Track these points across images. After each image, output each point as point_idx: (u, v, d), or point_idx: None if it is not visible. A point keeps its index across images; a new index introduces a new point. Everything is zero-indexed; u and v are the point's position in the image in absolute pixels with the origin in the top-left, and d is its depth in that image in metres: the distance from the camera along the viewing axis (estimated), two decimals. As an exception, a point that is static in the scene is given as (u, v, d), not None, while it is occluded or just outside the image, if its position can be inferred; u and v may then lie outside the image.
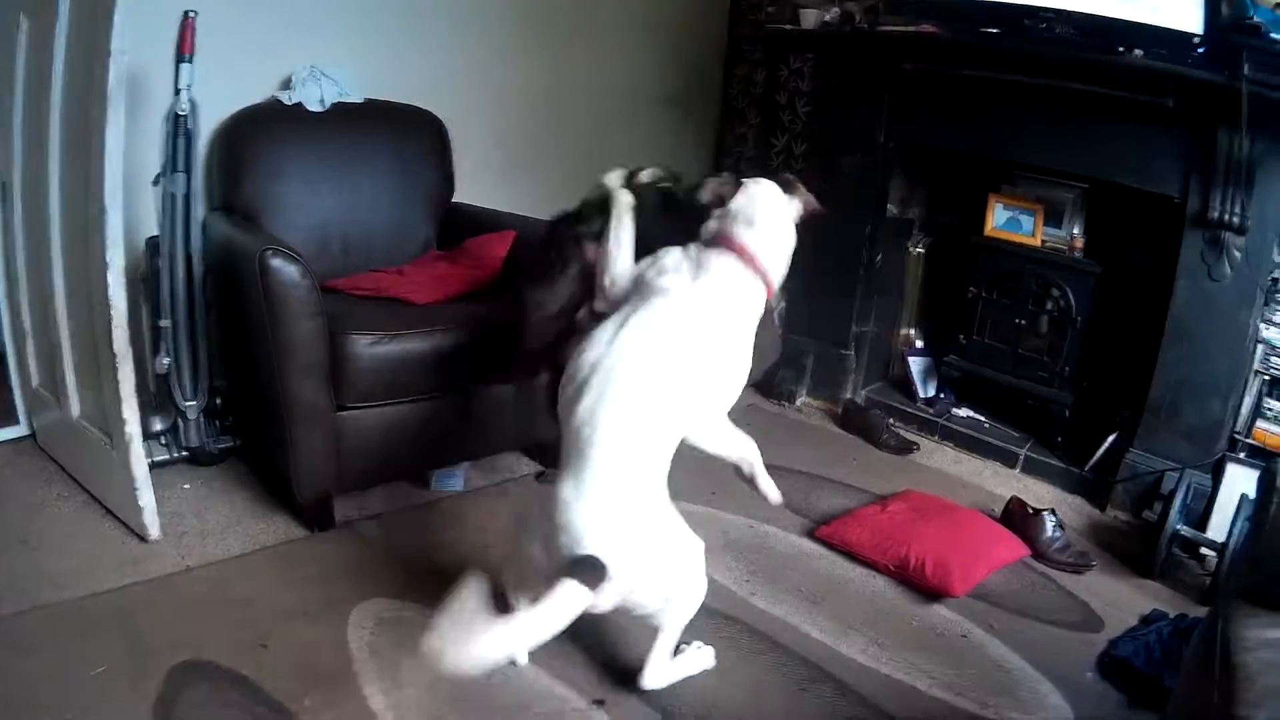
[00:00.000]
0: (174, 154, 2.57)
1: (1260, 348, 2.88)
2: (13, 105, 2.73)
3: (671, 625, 1.98)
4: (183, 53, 2.51)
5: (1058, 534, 2.67)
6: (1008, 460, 3.29)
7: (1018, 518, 2.74)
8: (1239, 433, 2.94)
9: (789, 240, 2.20)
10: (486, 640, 1.58)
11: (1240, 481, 2.71)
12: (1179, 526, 2.64)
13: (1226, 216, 2.71)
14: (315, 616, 2.22)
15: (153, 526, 2.50)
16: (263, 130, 2.92)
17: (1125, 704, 2.14)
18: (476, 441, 2.82)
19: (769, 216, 2.15)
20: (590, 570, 1.70)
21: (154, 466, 2.57)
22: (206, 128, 2.74)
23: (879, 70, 3.34)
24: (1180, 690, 1.69)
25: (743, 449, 2.15)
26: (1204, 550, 2.71)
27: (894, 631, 2.31)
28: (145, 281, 2.67)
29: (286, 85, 3.03)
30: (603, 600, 1.74)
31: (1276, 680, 1.38)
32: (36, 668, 2.08)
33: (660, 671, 2.03)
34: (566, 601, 1.66)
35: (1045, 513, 2.70)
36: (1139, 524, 2.92)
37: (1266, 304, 2.85)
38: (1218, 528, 2.67)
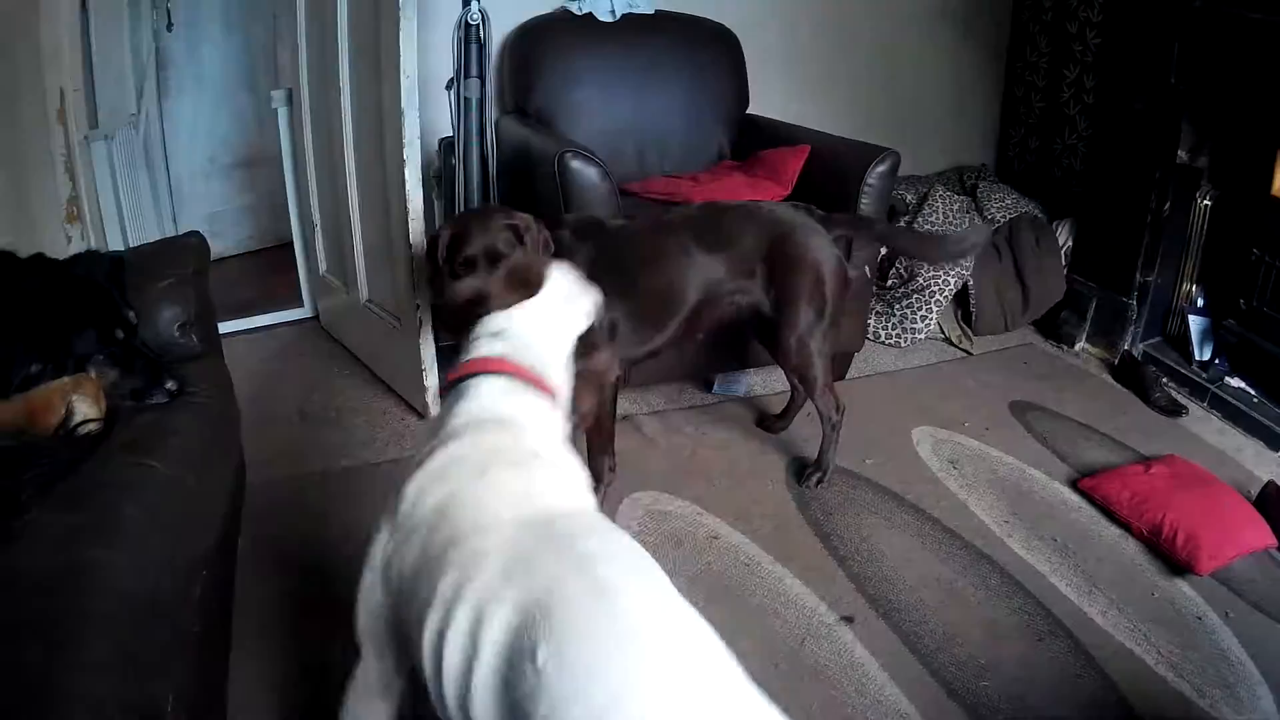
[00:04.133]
0: (466, 60, 2.70)
1: None
2: (295, 20, 2.94)
3: None
4: (473, -35, 2.60)
5: (1307, 529, 2.56)
6: (1271, 441, 3.12)
7: (1272, 504, 2.63)
8: None
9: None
10: None
11: None
12: None
13: None
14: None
15: (434, 406, 2.68)
16: (555, 38, 3.06)
17: (1332, 725, 2.10)
18: (763, 350, 2.74)
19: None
20: None
21: (439, 351, 2.73)
22: (497, 35, 2.86)
23: (1169, 6, 3.17)
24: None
25: None
26: None
27: (1135, 599, 2.31)
28: (438, 179, 2.85)
29: (576, -3, 3.13)
30: None
31: None
32: (306, 528, 2.31)
33: None
34: None
35: (1300, 504, 2.59)
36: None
37: None
38: None
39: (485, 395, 1.33)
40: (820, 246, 2.44)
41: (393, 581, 1.24)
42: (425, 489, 1.23)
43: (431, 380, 2.65)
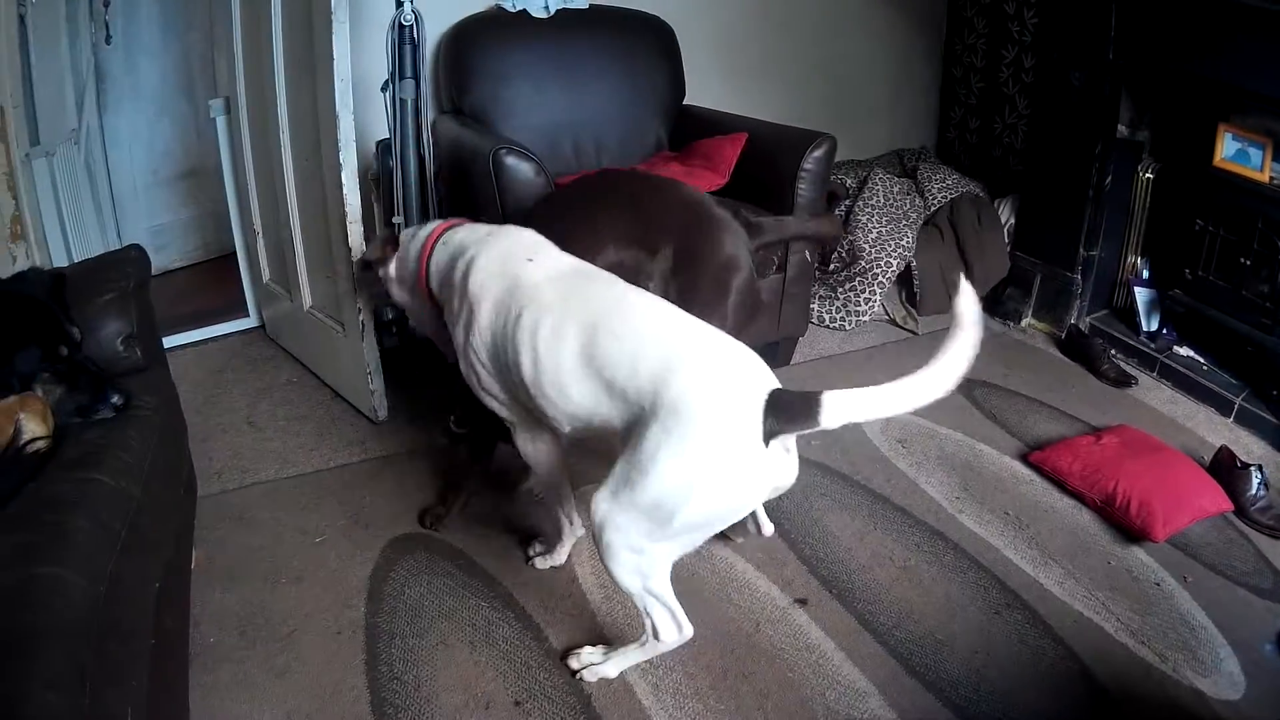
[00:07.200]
0: (400, 62, 2.67)
1: None
2: (230, 28, 2.91)
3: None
4: (406, -35, 2.59)
5: (1261, 492, 2.57)
6: (1222, 408, 3.13)
7: (1225, 469, 2.64)
8: None
9: None
10: None
11: None
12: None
13: None
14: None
15: (380, 409, 2.67)
16: (489, 36, 3.02)
17: (1298, 684, 2.10)
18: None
19: None
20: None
21: (383, 354, 2.72)
22: (431, 36, 2.83)
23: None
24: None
25: None
26: None
27: (1091, 568, 2.33)
28: (376, 181, 2.82)
29: (510, -7, 3.10)
30: None
31: None
32: (258, 537, 2.30)
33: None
34: None
35: (1253, 468, 2.60)
36: (1353, 499, 2.78)
37: None
38: None
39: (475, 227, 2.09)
40: (736, 251, 2.27)
41: (492, 347, 1.89)
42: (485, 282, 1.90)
43: (377, 383, 2.63)
